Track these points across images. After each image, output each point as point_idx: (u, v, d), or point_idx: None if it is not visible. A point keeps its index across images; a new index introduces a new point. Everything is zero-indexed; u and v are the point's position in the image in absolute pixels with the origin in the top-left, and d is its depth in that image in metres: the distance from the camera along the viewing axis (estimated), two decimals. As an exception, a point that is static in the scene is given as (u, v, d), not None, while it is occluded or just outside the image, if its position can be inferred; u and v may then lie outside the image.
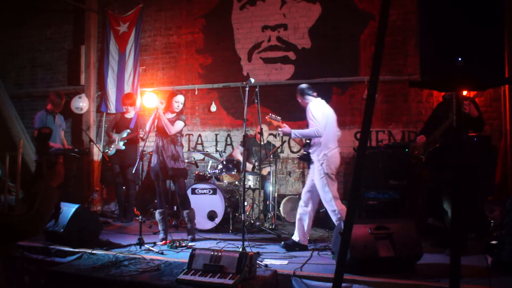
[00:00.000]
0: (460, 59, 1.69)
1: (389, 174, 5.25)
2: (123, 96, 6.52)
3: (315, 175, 4.30)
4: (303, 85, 4.64)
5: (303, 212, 4.40)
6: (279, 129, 4.54)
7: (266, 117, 4.66)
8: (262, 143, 5.54)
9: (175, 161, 4.68)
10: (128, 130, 5.92)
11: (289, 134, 4.41)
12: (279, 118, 4.63)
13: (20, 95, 8.32)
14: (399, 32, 6.10)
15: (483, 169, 4.94)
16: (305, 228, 4.37)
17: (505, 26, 1.74)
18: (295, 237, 4.41)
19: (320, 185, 4.24)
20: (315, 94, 4.55)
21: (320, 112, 4.34)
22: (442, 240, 4.25)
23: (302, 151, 4.70)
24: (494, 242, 3.51)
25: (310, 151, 4.40)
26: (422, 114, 5.95)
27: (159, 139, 4.71)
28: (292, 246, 4.34)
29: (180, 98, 4.74)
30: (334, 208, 4.19)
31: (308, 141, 4.48)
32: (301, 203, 4.45)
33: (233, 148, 6.93)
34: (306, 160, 4.55)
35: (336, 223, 4.16)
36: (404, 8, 6.05)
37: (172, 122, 4.66)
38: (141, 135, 5.45)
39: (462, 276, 2.74)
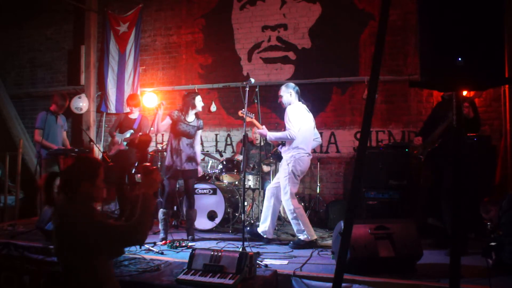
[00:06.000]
0: (460, 59, 1.69)
1: (389, 174, 5.25)
2: (127, 97, 6.52)
3: (281, 173, 4.59)
4: (293, 84, 4.75)
5: (267, 206, 4.65)
6: (257, 130, 4.76)
7: (239, 112, 4.75)
8: (261, 143, 5.62)
9: (192, 163, 4.77)
10: (131, 131, 5.91)
11: (265, 136, 4.71)
12: (253, 115, 4.80)
13: (20, 95, 8.32)
14: (399, 32, 6.10)
15: (483, 169, 4.93)
16: (268, 221, 4.59)
17: (505, 26, 1.74)
18: (259, 229, 4.66)
19: (282, 183, 4.51)
20: (298, 95, 4.71)
21: (297, 116, 4.55)
22: (442, 240, 4.25)
23: (277, 149, 4.95)
24: (492, 243, 3.51)
25: (281, 150, 4.68)
26: (422, 114, 5.95)
27: (178, 141, 4.74)
28: (256, 236, 4.62)
29: (200, 98, 4.91)
30: (290, 207, 4.45)
31: (281, 141, 4.74)
32: (265, 197, 4.72)
33: (233, 148, 6.94)
34: (277, 158, 4.88)
35: (291, 221, 4.49)
36: (404, 8, 6.05)
37: (195, 127, 4.81)
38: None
39: (462, 276, 2.74)
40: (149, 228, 2.12)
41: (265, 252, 4.16)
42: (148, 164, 2.26)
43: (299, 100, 4.68)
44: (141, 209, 2.09)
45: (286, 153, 4.56)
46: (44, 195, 2.15)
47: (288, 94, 4.65)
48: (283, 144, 4.65)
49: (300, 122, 4.52)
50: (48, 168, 5.73)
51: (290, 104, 4.61)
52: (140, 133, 5.60)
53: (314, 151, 6.47)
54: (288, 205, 4.46)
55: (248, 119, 4.64)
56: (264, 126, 4.72)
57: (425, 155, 4.34)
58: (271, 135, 4.66)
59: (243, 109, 4.59)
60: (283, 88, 4.70)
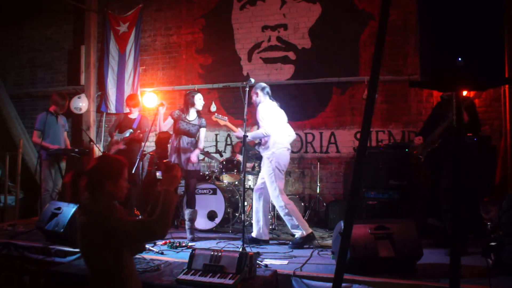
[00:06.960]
0: (460, 59, 1.69)
1: (389, 174, 5.24)
2: (126, 98, 6.53)
3: (265, 172, 4.57)
4: (263, 84, 4.81)
5: (256, 208, 4.63)
6: (232, 133, 4.78)
7: (212, 117, 4.87)
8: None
9: (193, 163, 4.78)
10: (131, 130, 5.91)
11: (241, 138, 4.66)
12: (226, 118, 4.87)
13: (20, 95, 8.32)
14: (399, 32, 6.10)
15: (483, 169, 4.93)
16: (261, 223, 4.57)
17: (505, 26, 1.74)
18: (253, 233, 4.62)
19: (269, 181, 4.51)
20: (268, 95, 4.75)
21: (269, 113, 4.60)
22: (442, 240, 4.25)
23: (254, 149, 4.97)
24: (492, 243, 3.51)
25: (260, 149, 4.71)
26: (422, 114, 5.95)
27: (179, 140, 4.76)
28: (252, 241, 4.54)
29: (201, 96, 4.93)
30: (281, 204, 4.45)
31: (258, 140, 4.76)
32: (254, 199, 4.69)
33: (233, 148, 6.93)
34: (258, 158, 4.91)
35: (284, 217, 4.48)
36: (404, 8, 6.05)
37: (196, 126, 4.83)
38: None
39: (462, 276, 2.74)
40: (169, 224, 2.16)
41: (265, 252, 4.16)
42: (168, 160, 2.30)
43: (270, 99, 4.74)
44: (162, 205, 2.13)
45: (266, 151, 4.58)
46: (70, 193, 2.19)
47: (255, 95, 4.72)
48: (260, 144, 4.71)
49: (273, 118, 4.58)
50: (50, 168, 5.73)
51: (260, 103, 4.68)
52: (139, 132, 5.60)
53: (314, 150, 6.51)
54: (279, 202, 4.46)
55: (222, 122, 4.80)
56: (239, 129, 4.76)
57: (425, 155, 4.34)
58: (248, 135, 4.66)
59: (216, 114, 4.81)
60: (253, 89, 4.77)
